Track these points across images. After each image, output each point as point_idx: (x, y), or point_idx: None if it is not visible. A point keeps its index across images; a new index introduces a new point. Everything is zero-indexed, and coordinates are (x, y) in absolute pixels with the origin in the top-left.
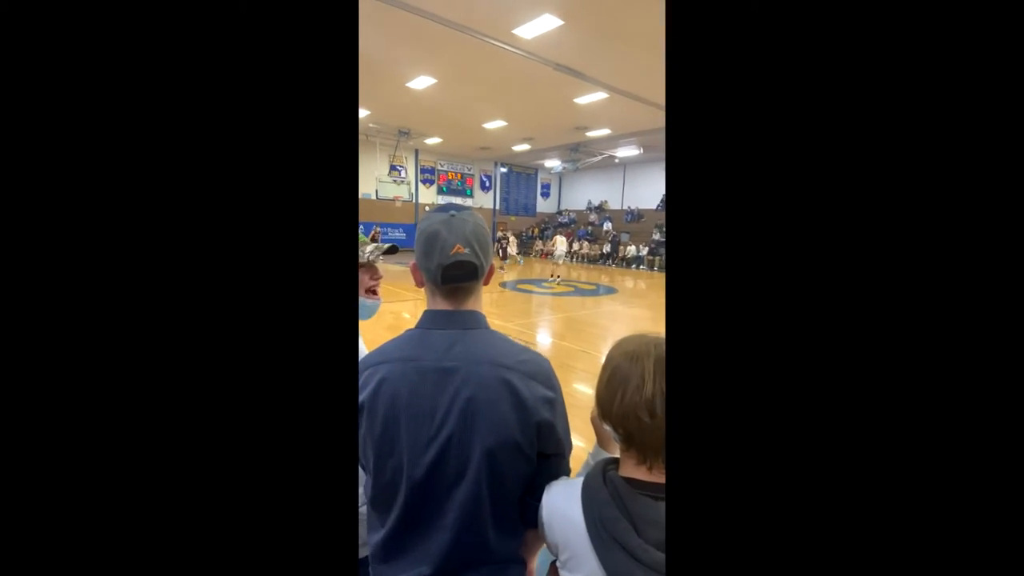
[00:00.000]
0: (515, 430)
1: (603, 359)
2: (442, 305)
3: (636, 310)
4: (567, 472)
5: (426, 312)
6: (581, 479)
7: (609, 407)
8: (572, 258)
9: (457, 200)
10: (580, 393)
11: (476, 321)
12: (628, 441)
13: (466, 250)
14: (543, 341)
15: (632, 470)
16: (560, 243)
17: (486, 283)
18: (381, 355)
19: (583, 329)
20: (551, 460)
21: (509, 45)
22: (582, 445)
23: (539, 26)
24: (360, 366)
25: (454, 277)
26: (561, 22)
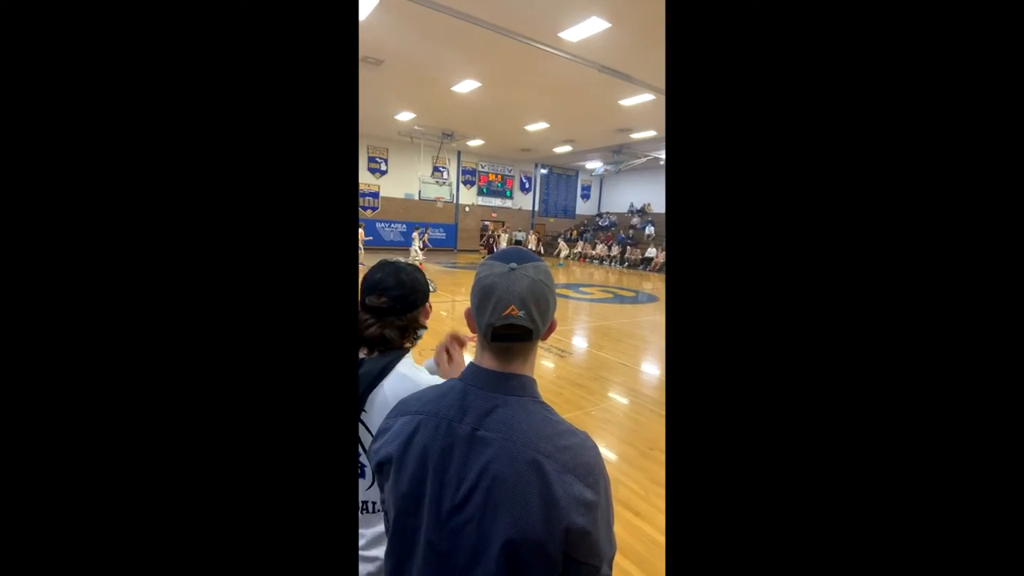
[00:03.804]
0: (539, 529)
1: (641, 373)
2: (489, 363)
3: None
4: None
5: (471, 366)
6: None
7: None
8: (611, 262)
9: (496, 202)
10: (617, 405)
11: (522, 388)
12: None
13: (520, 312)
14: (578, 349)
15: None
16: (564, 248)
17: (544, 339)
18: (418, 404)
19: (621, 339)
20: (583, 568)
21: (554, 48)
22: (613, 459)
23: (586, 29)
24: (396, 409)
25: (504, 337)
26: (608, 24)
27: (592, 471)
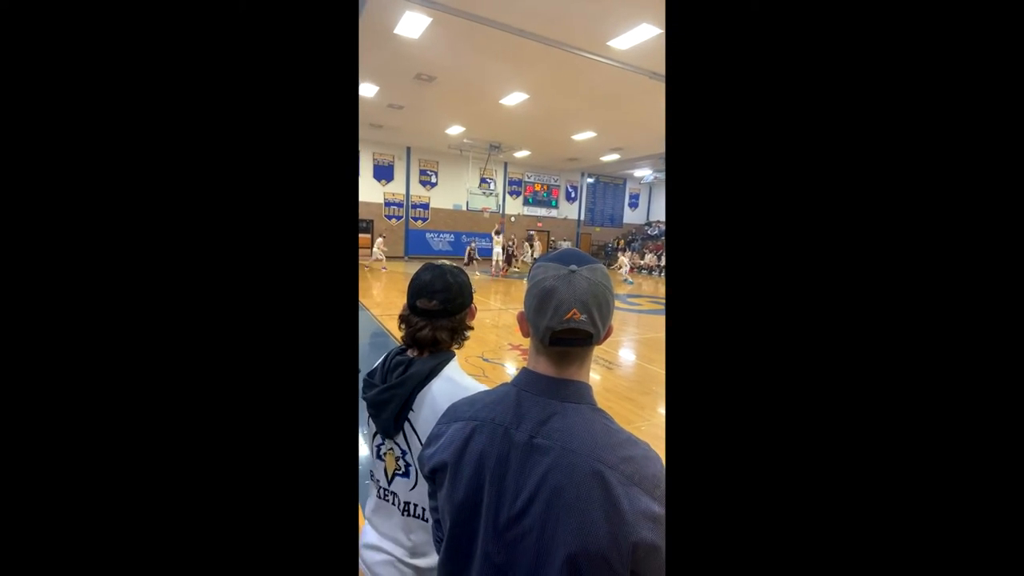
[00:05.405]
0: (604, 542)
1: None
2: (544, 368)
3: None
4: None
5: (525, 371)
6: None
7: None
8: (660, 272)
9: (541, 211)
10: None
11: (579, 395)
12: None
13: (583, 316)
14: (626, 361)
15: None
16: (625, 260)
17: (600, 343)
18: (472, 410)
19: None
20: None
21: (603, 57)
22: None
23: (635, 36)
24: (447, 415)
25: (563, 341)
26: (659, 30)
27: (659, 483)
